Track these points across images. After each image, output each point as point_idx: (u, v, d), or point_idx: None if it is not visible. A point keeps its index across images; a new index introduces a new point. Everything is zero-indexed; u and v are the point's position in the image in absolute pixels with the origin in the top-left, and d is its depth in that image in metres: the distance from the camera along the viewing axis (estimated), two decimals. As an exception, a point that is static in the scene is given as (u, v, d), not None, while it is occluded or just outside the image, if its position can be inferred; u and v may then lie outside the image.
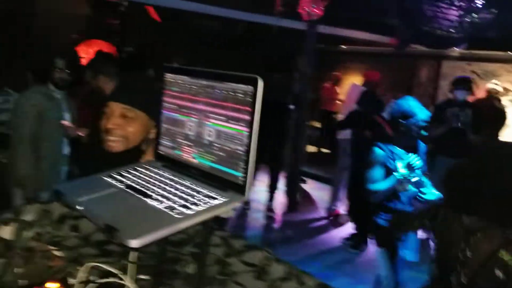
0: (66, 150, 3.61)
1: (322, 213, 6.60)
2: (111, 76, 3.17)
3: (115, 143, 1.42)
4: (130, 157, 1.36)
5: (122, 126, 1.41)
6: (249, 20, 6.80)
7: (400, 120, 3.13)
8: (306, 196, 7.33)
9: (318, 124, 10.31)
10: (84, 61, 8.50)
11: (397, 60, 9.44)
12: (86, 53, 9.54)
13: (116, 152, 1.39)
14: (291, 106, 6.31)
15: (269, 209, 6.39)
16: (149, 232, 0.81)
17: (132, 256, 1.18)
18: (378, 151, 3.18)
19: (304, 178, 7.66)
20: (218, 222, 1.05)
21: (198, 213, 0.89)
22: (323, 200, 6.99)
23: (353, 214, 5.57)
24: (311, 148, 9.49)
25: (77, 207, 0.93)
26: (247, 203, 6.38)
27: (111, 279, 1.17)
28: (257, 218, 6.13)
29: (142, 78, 1.56)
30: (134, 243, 0.78)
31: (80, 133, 3.45)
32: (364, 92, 5.24)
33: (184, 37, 9.39)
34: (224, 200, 0.94)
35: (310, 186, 7.80)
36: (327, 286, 0.90)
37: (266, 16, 5.78)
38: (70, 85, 3.54)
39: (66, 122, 3.43)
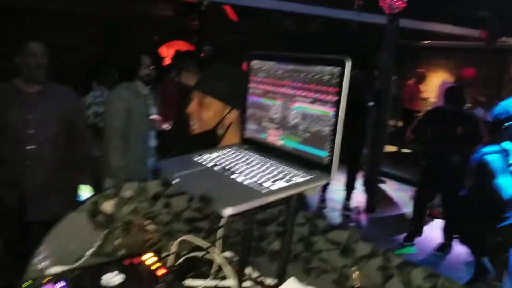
0: (153, 142, 3.83)
1: (401, 212, 6.40)
2: (193, 72, 3.32)
3: (194, 126, 1.67)
4: (208, 141, 1.51)
5: (198, 111, 1.65)
6: (328, 16, 6.75)
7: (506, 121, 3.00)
8: (385, 196, 7.14)
9: (400, 123, 9.98)
10: (165, 61, 8.98)
11: (486, 55, 8.88)
12: (166, 53, 10.05)
13: (196, 137, 1.55)
14: (371, 103, 6.18)
15: (346, 208, 6.32)
16: (240, 203, 0.86)
17: (220, 232, 1.25)
18: (492, 158, 3.04)
19: (383, 178, 7.48)
20: (302, 204, 1.08)
21: (284, 188, 0.93)
22: (403, 200, 6.78)
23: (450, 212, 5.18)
24: (391, 148, 9.21)
25: (173, 181, 1.00)
26: (323, 202, 6.36)
27: (200, 253, 1.25)
28: (333, 217, 6.09)
29: (221, 70, 1.68)
30: (227, 211, 0.84)
31: (166, 126, 3.64)
32: (451, 88, 5.02)
33: (261, 35, 9.53)
34: (309, 178, 0.97)
35: (390, 187, 7.59)
36: (413, 264, 0.90)
37: (346, 11, 5.70)
38: (155, 81, 3.74)
39: (154, 116, 3.63)
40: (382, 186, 7.31)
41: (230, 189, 0.94)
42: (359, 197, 6.52)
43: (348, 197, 6.35)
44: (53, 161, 2.96)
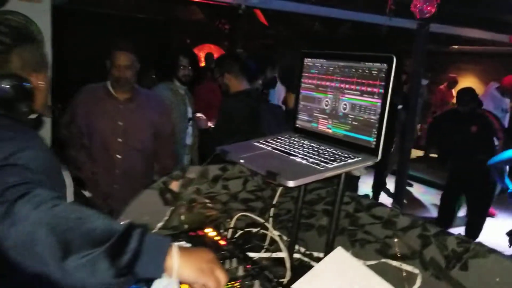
0: (188, 140, 3.99)
1: (427, 215, 6.44)
2: (236, 74, 3.46)
3: None
4: None
5: None
6: (357, 20, 6.85)
7: None
8: (413, 199, 7.19)
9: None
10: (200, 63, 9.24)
11: (516, 60, 8.81)
12: (198, 55, 10.33)
13: None
14: (399, 106, 6.25)
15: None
16: (301, 177, 1.02)
17: (272, 211, 1.41)
18: None
19: (411, 182, 7.52)
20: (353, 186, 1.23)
21: (338, 167, 1.08)
22: (430, 203, 6.82)
23: None
24: (418, 152, 9.22)
25: (240, 161, 1.17)
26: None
27: (255, 229, 1.42)
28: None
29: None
30: (291, 183, 1.00)
31: (210, 124, 3.79)
32: (464, 89, 5.10)
33: (291, 38, 9.69)
34: (359, 159, 1.12)
35: (418, 190, 7.63)
36: (448, 232, 1.03)
37: (376, 15, 5.80)
38: (192, 81, 3.88)
39: (199, 115, 3.79)
40: (409, 189, 7.35)
41: (291, 166, 1.10)
42: (386, 200, 6.59)
43: (375, 199, 6.43)
44: (141, 171, 2.78)
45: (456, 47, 10.24)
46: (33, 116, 1.26)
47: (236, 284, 1.10)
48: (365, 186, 6.45)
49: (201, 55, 10.20)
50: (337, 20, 8.17)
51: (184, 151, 4.04)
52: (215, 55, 9.69)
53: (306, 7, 5.87)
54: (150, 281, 0.91)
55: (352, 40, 8.97)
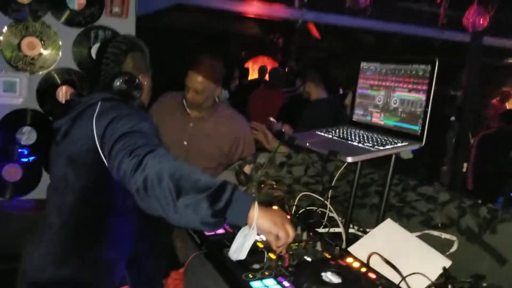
0: None
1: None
2: (317, 83, 3.70)
3: None
4: None
5: None
6: (410, 33, 6.98)
7: None
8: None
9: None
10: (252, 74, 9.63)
11: None
12: (252, 68, 10.75)
13: None
14: (452, 118, 6.30)
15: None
16: (358, 154, 1.26)
17: (330, 192, 1.65)
18: None
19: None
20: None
21: (388, 149, 1.31)
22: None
23: None
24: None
25: (307, 144, 1.43)
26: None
27: (315, 208, 1.66)
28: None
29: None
30: (350, 159, 1.24)
31: (284, 129, 4.03)
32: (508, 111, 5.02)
33: (343, 51, 9.89)
34: (405, 144, 1.35)
35: (469, 203, 7.54)
36: (481, 204, 1.23)
37: (428, 28, 5.93)
38: (242, 90, 4.10)
39: (272, 119, 4.02)
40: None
41: (349, 148, 1.35)
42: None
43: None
44: None
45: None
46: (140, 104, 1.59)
47: (302, 244, 1.34)
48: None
49: (255, 67, 10.61)
50: (389, 33, 8.31)
51: None
52: (269, 68, 10.05)
53: (359, 21, 6.08)
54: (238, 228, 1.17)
55: (404, 53, 9.04)
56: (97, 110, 1.41)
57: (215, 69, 2.33)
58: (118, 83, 1.51)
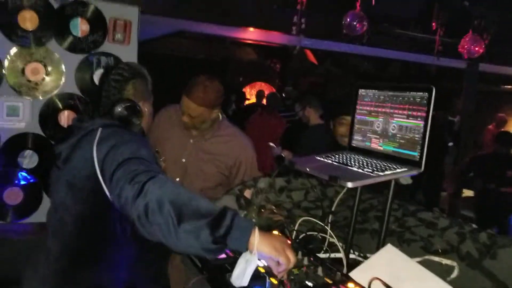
0: None
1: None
2: (316, 108, 3.76)
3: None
4: None
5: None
6: (407, 60, 7.09)
7: None
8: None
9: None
10: (247, 100, 9.73)
11: None
12: (249, 93, 10.87)
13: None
14: (450, 144, 6.35)
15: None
16: (359, 180, 1.28)
17: (331, 217, 1.66)
18: None
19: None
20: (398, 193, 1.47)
21: (387, 174, 1.34)
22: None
23: None
24: (469, 193, 9.10)
25: (307, 169, 1.45)
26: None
27: (315, 233, 1.67)
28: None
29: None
30: (350, 184, 1.26)
31: (284, 154, 4.05)
32: (503, 132, 5.10)
33: (339, 77, 10.02)
34: (404, 169, 1.37)
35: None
36: (480, 229, 1.25)
37: (424, 55, 6.02)
38: (239, 115, 4.13)
39: (271, 144, 4.05)
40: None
41: (349, 173, 1.37)
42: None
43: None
44: None
45: (508, 86, 10.18)
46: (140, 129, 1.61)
47: (303, 269, 1.35)
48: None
49: (253, 92, 10.73)
50: (386, 59, 8.43)
51: None
52: (266, 92, 10.17)
53: (356, 47, 6.18)
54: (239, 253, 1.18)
55: (401, 79, 9.16)
56: (97, 136, 1.43)
57: (208, 94, 2.20)
58: (119, 110, 1.53)
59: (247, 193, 1.73)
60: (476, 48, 4.89)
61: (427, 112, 1.36)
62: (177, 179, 2.29)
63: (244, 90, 11.09)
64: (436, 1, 4.90)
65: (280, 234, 1.22)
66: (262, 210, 1.74)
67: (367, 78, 9.53)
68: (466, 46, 4.96)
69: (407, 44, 5.96)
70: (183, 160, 2.33)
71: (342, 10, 4.70)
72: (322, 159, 1.57)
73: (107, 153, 1.36)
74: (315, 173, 1.44)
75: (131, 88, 1.61)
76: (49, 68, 2.77)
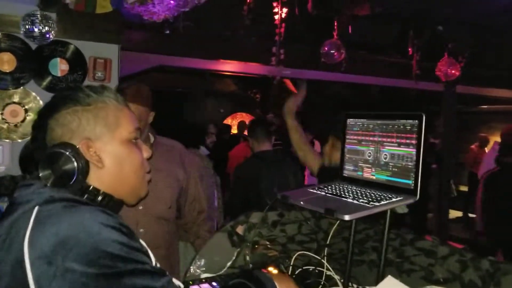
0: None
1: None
2: (257, 137, 3.67)
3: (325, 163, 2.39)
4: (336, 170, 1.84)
5: (330, 151, 2.34)
6: (386, 84, 7.21)
7: None
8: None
9: (464, 188, 9.93)
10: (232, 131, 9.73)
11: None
12: (231, 124, 10.89)
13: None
14: (433, 166, 6.40)
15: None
16: (356, 212, 1.25)
17: (326, 250, 1.62)
18: None
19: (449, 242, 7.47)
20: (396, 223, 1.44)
21: (383, 204, 1.31)
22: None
23: None
24: (456, 213, 9.17)
25: (301, 203, 1.41)
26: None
27: (312, 267, 1.62)
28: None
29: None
30: (347, 217, 1.23)
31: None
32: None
33: (319, 104, 10.12)
34: (400, 199, 1.34)
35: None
36: (482, 256, 1.22)
37: (402, 79, 6.14)
38: (221, 146, 4.07)
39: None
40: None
41: (345, 205, 1.33)
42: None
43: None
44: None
45: (485, 106, 10.43)
46: None
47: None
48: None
49: (234, 123, 10.76)
50: (365, 85, 8.57)
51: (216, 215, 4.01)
52: (247, 123, 10.20)
53: (335, 75, 6.28)
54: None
55: (381, 103, 9.31)
56: (30, 225, 0.88)
57: (142, 91, 2.11)
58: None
59: (239, 229, 1.68)
60: (453, 71, 5.00)
61: (418, 139, 1.35)
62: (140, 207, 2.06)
63: (225, 121, 11.13)
64: (411, 27, 5.02)
65: (284, 273, 1.17)
66: (256, 246, 1.69)
67: (347, 103, 9.65)
68: (442, 69, 5.07)
69: (385, 69, 6.08)
70: None
71: (319, 39, 4.78)
72: (314, 191, 1.54)
73: (49, 263, 0.82)
74: (310, 206, 1.40)
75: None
76: (29, 110, 2.71)
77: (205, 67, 6.61)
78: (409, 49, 5.15)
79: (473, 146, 9.81)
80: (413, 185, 1.35)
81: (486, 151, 9.63)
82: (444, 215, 6.78)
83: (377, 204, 1.30)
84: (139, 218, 2.08)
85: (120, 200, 1.08)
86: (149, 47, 4.69)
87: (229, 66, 6.44)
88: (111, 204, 1.04)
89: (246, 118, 11.63)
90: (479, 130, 10.19)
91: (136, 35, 4.42)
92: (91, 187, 1.02)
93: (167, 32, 4.15)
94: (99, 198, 1.02)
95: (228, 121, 11.42)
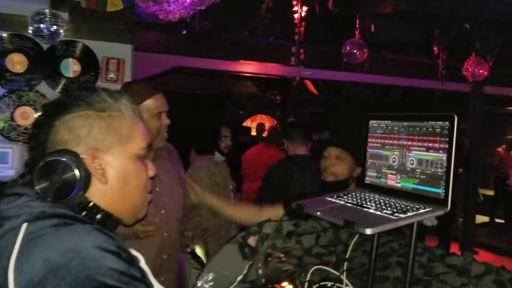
0: None
1: None
2: (292, 141, 3.54)
3: (328, 177, 1.99)
4: (340, 188, 1.76)
5: (334, 164, 2.00)
6: (409, 85, 6.99)
7: None
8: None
9: (491, 192, 9.60)
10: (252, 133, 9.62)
11: None
12: (250, 126, 10.78)
13: (327, 186, 1.84)
14: (459, 170, 6.16)
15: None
16: (378, 225, 1.11)
17: (346, 265, 1.49)
18: None
19: (475, 249, 7.19)
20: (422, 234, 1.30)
21: (410, 216, 1.17)
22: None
23: None
24: (483, 218, 8.86)
25: (317, 213, 1.28)
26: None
27: (330, 282, 1.49)
28: None
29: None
30: (369, 231, 1.09)
31: None
32: None
33: (340, 105, 9.93)
34: (428, 210, 1.20)
35: (486, 258, 7.24)
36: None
37: (427, 80, 5.91)
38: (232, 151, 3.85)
39: None
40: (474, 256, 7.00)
41: (366, 216, 1.20)
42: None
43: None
44: None
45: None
46: None
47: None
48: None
49: (254, 126, 10.64)
50: (388, 86, 8.35)
51: (230, 224, 3.79)
52: (267, 125, 10.07)
53: (357, 75, 6.09)
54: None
55: (404, 104, 9.06)
56: (17, 246, 0.77)
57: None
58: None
59: (251, 240, 1.56)
60: (481, 71, 4.78)
61: (450, 143, 1.21)
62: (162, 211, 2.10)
63: (244, 124, 11.02)
64: (437, 25, 4.82)
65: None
66: (269, 259, 1.56)
67: (369, 105, 9.44)
68: (470, 69, 4.85)
69: (409, 69, 5.87)
70: (157, 189, 2.06)
71: (341, 39, 4.63)
72: (333, 199, 1.40)
73: None
74: (327, 217, 1.27)
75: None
76: (40, 112, 2.65)
77: (224, 68, 6.51)
78: (435, 49, 4.94)
79: (499, 149, 9.47)
80: (443, 194, 1.21)
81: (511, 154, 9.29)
82: (470, 222, 6.52)
83: (403, 216, 1.16)
84: (163, 222, 2.08)
85: (118, 219, 0.97)
86: (165, 48, 4.61)
87: (247, 67, 6.32)
88: (109, 223, 0.92)
89: (266, 120, 11.49)
90: (505, 132, 9.84)
91: (152, 35, 4.35)
92: (92, 203, 0.90)
93: (184, 32, 4.07)
94: (99, 216, 0.90)
95: (247, 123, 11.31)
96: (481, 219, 8.46)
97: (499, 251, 7.30)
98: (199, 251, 2.24)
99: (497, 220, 9.21)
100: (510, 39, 5.10)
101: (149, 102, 1.92)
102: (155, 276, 0.93)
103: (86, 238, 0.77)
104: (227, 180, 3.64)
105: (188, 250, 2.25)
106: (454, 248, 6.47)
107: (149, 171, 1.03)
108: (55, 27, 2.32)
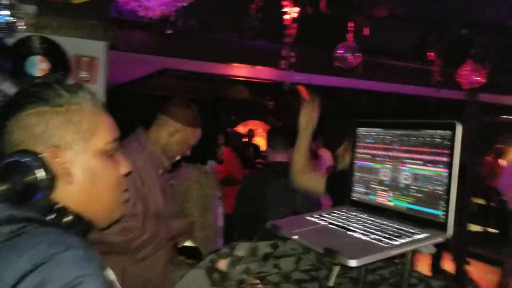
0: (220, 222, 3.67)
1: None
2: (273, 147, 3.33)
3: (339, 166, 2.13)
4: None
5: (344, 154, 2.12)
6: (403, 92, 6.83)
7: None
8: (470, 278, 6.63)
9: (481, 201, 9.47)
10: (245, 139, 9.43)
11: None
12: (242, 132, 10.58)
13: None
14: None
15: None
16: (364, 255, 0.91)
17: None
18: None
19: (467, 259, 7.02)
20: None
21: (404, 244, 0.97)
22: (492, 283, 6.26)
23: None
24: (475, 227, 8.70)
25: (293, 237, 1.08)
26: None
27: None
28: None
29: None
30: (353, 262, 0.89)
31: None
32: None
33: (334, 111, 9.76)
34: (426, 235, 1.00)
35: (477, 268, 7.07)
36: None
37: (422, 87, 5.76)
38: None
39: None
40: (466, 267, 6.82)
41: (351, 243, 1.00)
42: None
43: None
44: None
45: (508, 117, 9.95)
46: None
47: None
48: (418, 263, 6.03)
49: (246, 131, 10.45)
50: (381, 92, 8.20)
51: (218, 234, 3.62)
52: (260, 130, 9.89)
53: (350, 81, 5.93)
54: None
55: (399, 111, 8.91)
56: None
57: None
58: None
59: (222, 264, 1.35)
60: (477, 78, 4.61)
61: (452, 156, 1.01)
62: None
63: (235, 129, 10.81)
64: (432, 30, 4.66)
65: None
66: (242, 285, 1.36)
67: (363, 111, 9.28)
68: (465, 76, 4.68)
69: (404, 76, 5.70)
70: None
71: (333, 42, 4.45)
72: (313, 219, 1.21)
73: None
74: (305, 242, 1.07)
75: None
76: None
77: (212, 71, 6.31)
78: (430, 54, 4.77)
79: (488, 158, 9.33)
80: (443, 217, 1.01)
81: (502, 163, 9.15)
82: (464, 232, 6.34)
83: (395, 243, 0.97)
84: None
85: (89, 221, 0.89)
86: (150, 49, 4.40)
87: (236, 71, 6.13)
88: (79, 226, 0.86)
89: (259, 125, 11.30)
90: (494, 141, 9.70)
91: (136, 35, 4.14)
92: (59, 205, 0.83)
93: (169, 32, 3.87)
94: (68, 218, 0.84)
95: (238, 128, 11.11)
96: (472, 228, 8.29)
97: (491, 261, 7.15)
98: (190, 244, 2.24)
99: (490, 230, 9.06)
100: (507, 45, 4.95)
101: (188, 130, 2.06)
102: None
103: (57, 246, 0.70)
104: (215, 190, 3.46)
105: (179, 246, 2.22)
106: (446, 258, 6.30)
107: (121, 167, 0.95)
108: (13, 18, 2.11)
